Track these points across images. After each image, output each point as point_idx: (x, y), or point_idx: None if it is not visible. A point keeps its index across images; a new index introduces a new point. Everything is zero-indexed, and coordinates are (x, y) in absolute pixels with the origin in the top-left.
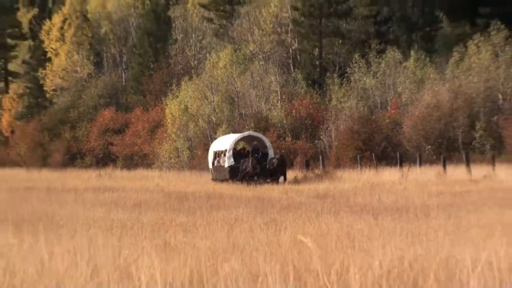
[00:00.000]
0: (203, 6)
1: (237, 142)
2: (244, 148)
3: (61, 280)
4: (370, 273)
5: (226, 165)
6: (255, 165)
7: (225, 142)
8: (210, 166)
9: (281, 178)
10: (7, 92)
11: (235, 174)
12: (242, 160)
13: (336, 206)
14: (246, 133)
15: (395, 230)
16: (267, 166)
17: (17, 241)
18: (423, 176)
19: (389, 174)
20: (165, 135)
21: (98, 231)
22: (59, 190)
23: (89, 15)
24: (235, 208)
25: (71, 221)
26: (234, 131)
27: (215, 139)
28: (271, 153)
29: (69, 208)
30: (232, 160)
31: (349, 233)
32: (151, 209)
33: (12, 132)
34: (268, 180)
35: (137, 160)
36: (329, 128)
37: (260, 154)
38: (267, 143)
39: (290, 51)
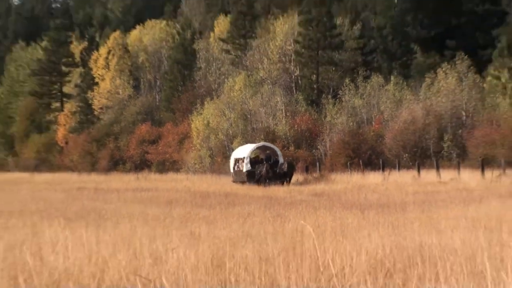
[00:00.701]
0: (222, 40)
1: (253, 151)
2: (258, 156)
3: (106, 263)
4: (359, 256)
5: (244, 169)
6: (268, 170)
7: (243, 151)
8: (232, 170)
9: (286, 181)
10: (62, 110)
11: (252, 177)
12: (257, 166)
13: (330, 203)
14: (260, 144)
15: (378, 222)
16: (278, 170)
17: (70, 232)
18: (401, 179)
19: (374, 177)
20: (191, 145)
21: (137, 223)
22: (104, 190)
23: (129, 47)
24: (248, 205)
25: (115, 215)
26: (247, 142)
27: (232, 149)
28: (281, 160)
29: (113, 205)
30: (249, 165)
31: (341, 224)
32: (180, 205)
33: (67, 143)
34: (278, 182)
35: (168, 165)
36: (324, 140)
37: (272, 161)
38: (278, 152)
39: (293, 77)
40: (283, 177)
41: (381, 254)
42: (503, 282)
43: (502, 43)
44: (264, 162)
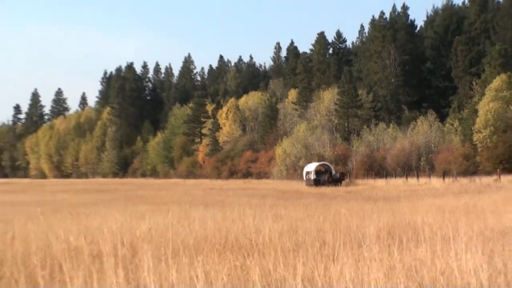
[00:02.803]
0: (293, 103)
1: (317, 166)
2: (320, 169)
3: (228, 231)
4: (372, 228)
5: (312, 178)
6: (328, 178)
7: (311, 166)
8: (304, 178)
9: (339, 184)
10: (201, 143)
11: (317, 182)
12: (321, 176)
13: (356, 197)
14: (321, 162)
15: (384, 208)
16: (333, 178)
17: (206, 212)
18: (396, 183)
19: (380, 182)
20: (275, 163)
21: (245, 207)
22: (226, 189)
23: (239, 107)
24: (308, 198)
25: (232, 203)
26: (308, 162)
27: (300, 166)
28: (333, 172)
29: (230, 198)
30: (315, 175)
31: (362, 209)
32: (269, 198)
33: (204, 162)
34: (333, 185)
35: (262, 175)
36: (352, 160)
37: (328, 172)
38: (332, 167)
39: (334, 124)
40: (337, 182)
41: (386, 226)
42: (456, 241)
43: (454, 105)
44: (326, 173)
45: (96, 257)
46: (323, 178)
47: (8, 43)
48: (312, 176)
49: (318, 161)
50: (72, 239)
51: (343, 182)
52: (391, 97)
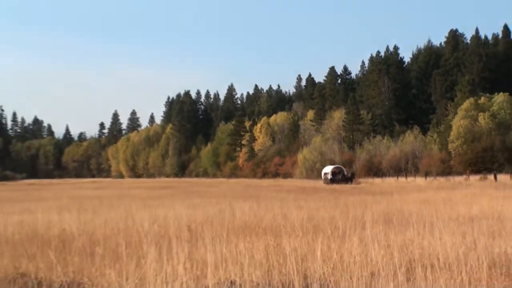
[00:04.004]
0: (311, 120)
1: (332, 169)
2: (334, 171)
3: (262, 217)
4: (374, 214)
5: (329, 177)
6: (342, 177)
7: (328, 168)
8: (322, 177)
9: (350, 182)
10: (241, 151)
11: (333, 181)
12: (336, 176)
13: (359, 191)
14: (336, 165)
15: (381, 200)
16: (345, 177)
17: (245, 204)
18: (390, 181)
19: (378, 180)
20: (297, 166)
21: (274, 200)
22: (259, 186)
23: (270, 124)
24: (322, 192)
25: (264, 197)
26: (323, 166)
27: (316, 169)
28: (345, 172)
29: (263, 192)
30: (331, 175)
31: (364, 201)
32: (293, 193)
33: (243, 165)
34: (345, 183)
35: (287, 175)
36: (355, 163)
37: (342, 173)
38: (344, 168)
39: (342, 136)
40: (348, 180)
41: (383, 214)
42: (437, 225)
43: (434, 122)
44: (339, 174)
45: (164, 237)
46: (338, 177)
47: (99, 80)
48: (329, 176)
49: (331, 165)
50: (145, 224)
51: (353, 181)
52: (385, 116)
